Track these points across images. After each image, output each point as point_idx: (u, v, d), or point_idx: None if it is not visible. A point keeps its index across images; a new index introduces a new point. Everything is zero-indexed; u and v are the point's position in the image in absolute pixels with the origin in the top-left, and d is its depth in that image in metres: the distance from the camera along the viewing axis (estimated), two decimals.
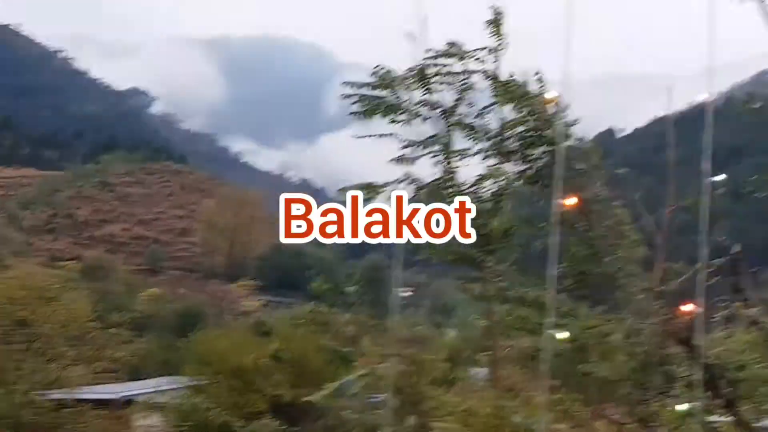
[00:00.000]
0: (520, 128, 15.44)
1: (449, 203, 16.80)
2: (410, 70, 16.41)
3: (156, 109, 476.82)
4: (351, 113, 16.81)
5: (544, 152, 14.47)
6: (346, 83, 16.89)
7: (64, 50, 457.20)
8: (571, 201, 14.31)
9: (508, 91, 15.24)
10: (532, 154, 14.75)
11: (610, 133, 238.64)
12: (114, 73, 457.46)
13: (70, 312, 48.58)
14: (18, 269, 72.82)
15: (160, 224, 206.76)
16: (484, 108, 16.77)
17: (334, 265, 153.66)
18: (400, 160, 16.79)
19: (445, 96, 16.79)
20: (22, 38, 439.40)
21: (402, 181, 17.00)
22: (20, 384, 45.14)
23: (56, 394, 46.07)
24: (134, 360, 67.53)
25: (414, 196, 17.45)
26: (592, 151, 15.32)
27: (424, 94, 16.66)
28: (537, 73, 15.21)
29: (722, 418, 14.68)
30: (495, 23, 16.26)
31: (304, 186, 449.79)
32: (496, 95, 15.92)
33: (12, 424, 43.09)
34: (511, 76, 15.74)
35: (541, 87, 15.00)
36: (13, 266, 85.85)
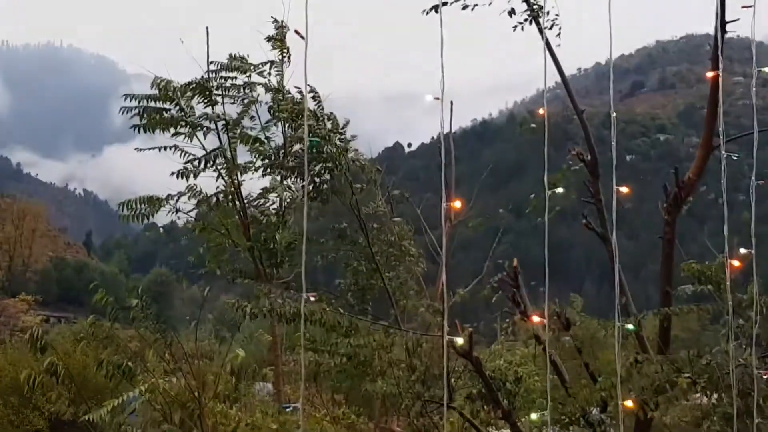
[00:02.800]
0: (298, 145, 15.30)
1: (234, 216, 16.69)
2: (192, 82, 16.23)
3: None
4: (133, 126, 16.51)
5: (323, 168, 14.43)
6: (127, 95, 16.58)
7: None
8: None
9: (284, 107, 15.11)
10: (312, 170, 14.65)
11: (396, 148, 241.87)
12: None
13: None
14: None
15: None
16: (266, 123, 16.71)
17: (118, 279, 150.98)
18: (183, 173, 16.58)
19: (229, 109, 16.69)
20: None
21: (185, 194, 16.79)
22: None
23: None
24: None
25: (197, 209, 17.27)
26: (372, 168, 15.37)
27: (207, 106, 16.50)
28: (312, 90, 14.91)
29: (501, 431, 14.95)
30: (278, 38, 16.23)
31: (88, 198, 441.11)
32: (276, 110, 15.85)
33: None
34: (294, 93, 15.65)
35: (318, 104, 14.90)
36: None
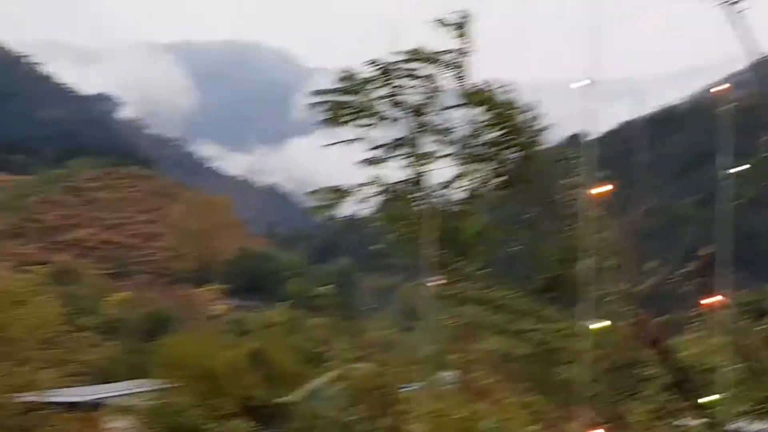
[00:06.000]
0: (490, 133, 15.41)
1: (418, 206, 16.81)
2: (378, 71, 16.39)
3: (123, 114, 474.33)
4: (318, 121, 16.77)
5: (514, 156, 14.46)
6: (313, 91, 16.85)
7: (31, 56, 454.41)
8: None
9: (477, 95, 15.21)
10: (502, 159, 14.71)
11: (578, 137, 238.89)
12: (81, 78, 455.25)
13: (40, 316, 48.41)
14: None
15: (128, 229, 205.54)
16: (451, 110, 16.75)
17: (303, 269, 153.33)
18: (367, 163, 16.75)
19: (413, 99, 16.79)
20: None
21: (370, 183, 16.95)
22: None
23: (27, 397, 45.89)
24: (104, 363, 67.32)
25: (381, 200, 17.44)
26: (564, 155, 15.31)
27: (392, 97, 16.64)
28: (495, 79, 15.06)
29: (693, 421, 14.71)
30: (461, 27, 16.27)
31: (272, 190, 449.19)
32: (464, 99, 15.92)
33: None
34: (480, 82, 15.73)
35: (510, 93, 14.97)
36: None
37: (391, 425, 17.13)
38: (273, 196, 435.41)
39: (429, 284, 17.13)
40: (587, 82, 13.31)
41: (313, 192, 17.26)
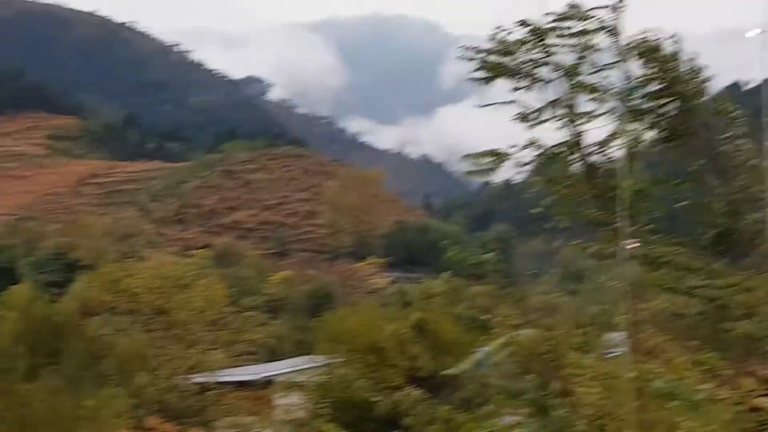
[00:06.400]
0: (651, 86, 15.08)
1: (576, 166, 16.58)
2: (530, 33, 16.16)
3: (273, 95, 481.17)
4: (471, 80, 16.60)
5: (676, 109, 14.10)
6: (465, 49, 16.68)
7: (181, 44, 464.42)
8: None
9: (635, 48, 14.90)
10: (663, 112, 14.36)
11: (735, 87, 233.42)
12: (230, 63, 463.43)
13: (205, 298, 49.62)
14: (153, 260, 74.59)
15: (285, 208, 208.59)
16: (607, 67, 16.42)
17: (461, 238, 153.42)
18: (522, 125, 16.57)
19: (567, 58, 16.51)
20: (139, 35, 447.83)
21: (527, 146, 16.78)
22: (163, 369, 46.24)
23: (198, 378, 47.01)
24: (270, 341, 68.60)
25: (538, 162, 17.25)
26: (727, 106, 14.89)
27: (545, 57, 16.39)
28: (653, 30, 14.70)
29: None
30: None
31: (424, 161, 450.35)
32: (620, 54, 15.59)
33: (159, 408, 44.18)
34: (638, 34, 15.41)
35: (671, 44, 14.61)
36: (148, 257, 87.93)
37: (561, 390, 16.94)
38: (426, 166, 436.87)
39: (592, 245, 16.89)
40: (759, 31, 12.87)
41: (469, 156, 17.12)
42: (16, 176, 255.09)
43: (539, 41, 16.08)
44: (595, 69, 16.28)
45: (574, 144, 16.53)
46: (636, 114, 15.53)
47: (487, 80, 16.49)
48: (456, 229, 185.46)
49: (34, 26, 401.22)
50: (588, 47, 16.18)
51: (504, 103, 16.67)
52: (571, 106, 16.30)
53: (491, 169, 17.19)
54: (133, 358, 46.83)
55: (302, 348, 64.76)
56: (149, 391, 45.00)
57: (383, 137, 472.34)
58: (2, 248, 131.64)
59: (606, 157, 16.63)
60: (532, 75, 16.30)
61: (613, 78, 16.18)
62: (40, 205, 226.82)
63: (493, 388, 18.53)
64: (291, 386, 45.13)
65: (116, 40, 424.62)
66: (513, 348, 17.03)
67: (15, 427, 43.00)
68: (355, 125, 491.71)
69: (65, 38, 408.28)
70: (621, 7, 15.62)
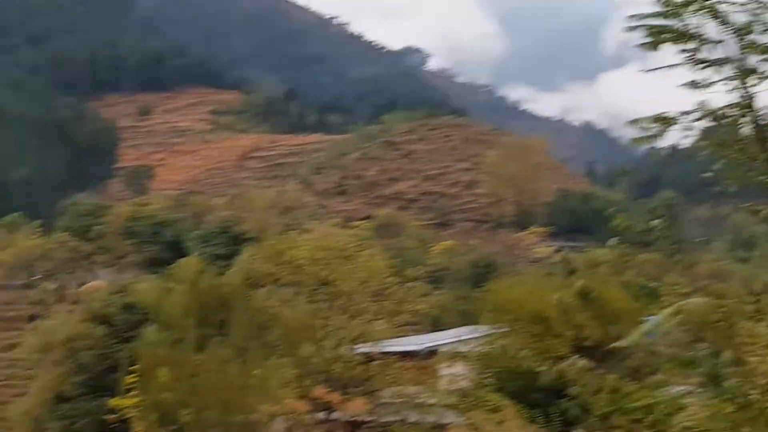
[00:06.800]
0: None
1: (747, 129, 16.13)
2: None
3: (432, 65, 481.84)
4: (637, 45, 16.25)
5: None
6: (631, 16, 16.33)
7: (339, 16, 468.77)
8: None
9: None
10: None
11: None
12: (388, 33, 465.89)
13: (368, 269, 50.00)
14: (316, 232, 75.62)
15: (446, 178, 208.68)
16: None
17: (626, 205, 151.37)
18: (690, 88, 16.14)
19: (738, 18, 16.00)
20: (299, 9, 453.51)
21: (695, 110, 16.37)
22: (328, 340, 46.82)
23: (363, 348, 47.45)
24: (434, 312, 68.87)
25: (707, 126, 16.83)
26: None
27: (714, 17, 15.92)
28: None
29: None
30: None
31: (587, 128, 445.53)
32: None
33: (325, 377, 44.80)
34: None
35: None
36: (311, 229, 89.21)
37: (734, 359, 16.51)
38: (589, 133, 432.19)
39: (764, 209, 16.40)
40: None
41: (635, 121, 16.76)
42: (182, 151, 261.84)
43: (707, 1, 15.62)
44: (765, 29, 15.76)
45: (746, 106, 16.05)
46: None
47: (653, 44, 16.10)
48: (620, 196, 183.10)
49: (197, 2, 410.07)
50: (760, 4, 15.67)
51: (670, 66, 16.28)
52: (741, 67, 15.81)
53: (657, 135, 16.82)
54: (299, 329, 47.53)
55: (465, 318, 64.79)
56: (315, 362, 45.62)
57: (545, 104, 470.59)
58: (170, 222, 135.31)
59: None
60: (699, 37, 15.85)
61: None
62: (206, 179, 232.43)
63: (662, 357, 18.20)
64: (455, 356, 45.15)
65: (277, 14, 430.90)
66: (683, 316, 16.65)
67: (186, 396, 44.24)
68: (515, 93, 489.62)
69: (227, 13, 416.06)
70: None
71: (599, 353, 38.43)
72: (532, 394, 38.22)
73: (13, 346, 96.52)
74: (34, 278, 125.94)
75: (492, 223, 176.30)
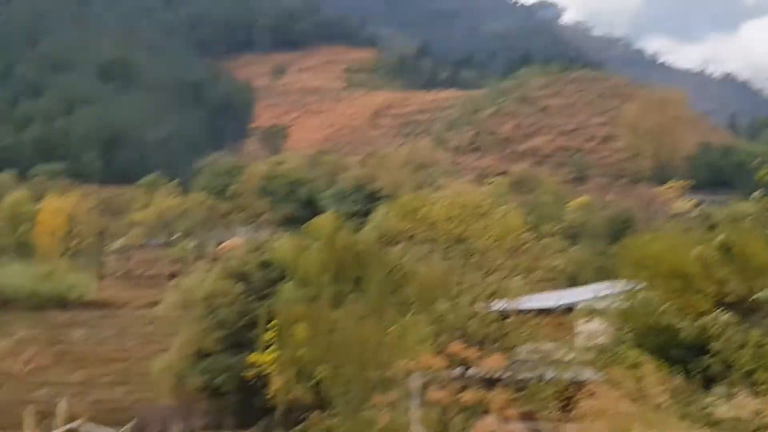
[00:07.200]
0: None
1: None
2: None
3: (566, 19, 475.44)
4: None
5: None
6: None
7: None
8: None
9: None
10: None
11: None
12: None
13: (503, 226, 49.42)
14: (450, 189, 75.25)
15: (581, 133, 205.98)
16: None
17: None
18: None
19: None
20: None
21: None
22: (463, 297, 46.50)
23: (498, 305, 47.00)
24: (570, 268, 67.93)
25: None
26: None
27: None
28: None
29: None
30: None
31: (728, 80, 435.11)
32: None
33: (460, 334, 44.54)
34: None
35: None
36: (445, 186, 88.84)
37: None
38: (730, 85, 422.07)
39: None
40: None
41: None
42: (316, 110, 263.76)
43: None
44: None
45: None
46: None
47: None
48: (764, 149, 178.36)
49: None
50: None
51: None
52: None
53: None
54: (434, 286, 47.30)
55: (602, 274, 63.77)
56: (450, 318, 45.34)
57: (684, 56, 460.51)
58: (305, 181, 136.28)
59: None
60: None
61: None
62: (339, 137, 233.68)
63: None
64: (592, 312, 44.42)
65: None
66: None
67: (323, 351, 44.51)
68: (653, 45, 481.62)
69: None
70: None
71: (742, 308, 37.37)
72: (672, 350, 37.32)
73: (154, 303, 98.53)
74: (174, 237, 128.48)
75: (629, 178, 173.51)
